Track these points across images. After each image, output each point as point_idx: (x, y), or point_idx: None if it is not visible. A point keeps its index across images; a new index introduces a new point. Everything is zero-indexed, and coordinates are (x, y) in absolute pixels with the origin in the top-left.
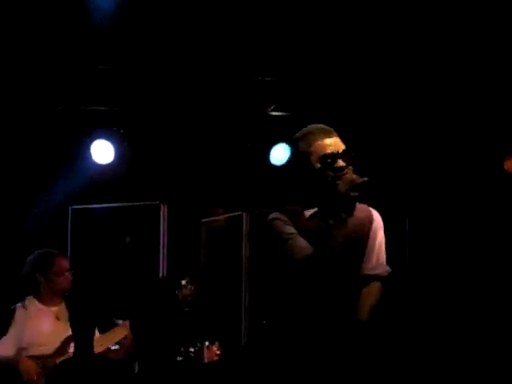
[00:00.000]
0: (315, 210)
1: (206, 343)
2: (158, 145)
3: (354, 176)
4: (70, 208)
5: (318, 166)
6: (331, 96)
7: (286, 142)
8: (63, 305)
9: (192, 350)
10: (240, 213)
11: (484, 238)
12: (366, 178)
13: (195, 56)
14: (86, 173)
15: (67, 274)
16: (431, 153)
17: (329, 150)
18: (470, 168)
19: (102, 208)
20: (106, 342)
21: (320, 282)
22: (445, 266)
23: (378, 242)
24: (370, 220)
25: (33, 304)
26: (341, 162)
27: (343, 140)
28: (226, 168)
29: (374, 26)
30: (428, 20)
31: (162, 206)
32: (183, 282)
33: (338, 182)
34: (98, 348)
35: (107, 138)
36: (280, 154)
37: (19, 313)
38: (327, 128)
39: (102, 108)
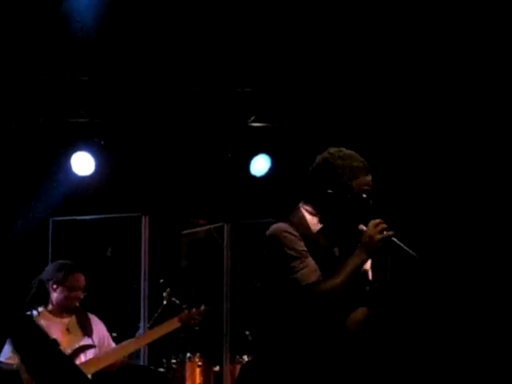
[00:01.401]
0: (321, 225)
1: (188, 355)
2: (138, 156)
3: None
4: (50, 220)
5: (351, 194)
6: (311, 106)
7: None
8: (74, 317)
9: (174, 361)
10: (221, 223)
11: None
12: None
13: (176, 67)
14: (66, 184)
15: (80, 291)
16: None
17: (367, 188)
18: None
19: (83, 220)
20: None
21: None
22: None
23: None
24: None
25: (43, 314)
26: (371, 202)
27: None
28: (206, 179)
29: (353, 34)
30: (414, 20)
31: (143, 218)
32: (164, 294)
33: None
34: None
35: (87, 150)
36: (260, 164)
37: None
38: (366, 163)
39: (82, 120)
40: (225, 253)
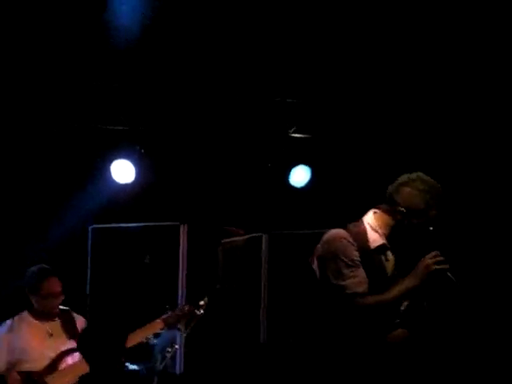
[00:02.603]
0: (380, 243)
1: None
2: (178, 165)
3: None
4: (89, 227)
5: (431, 215)
6: (351, 118)
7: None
8: (58, 321)
9: None
10: (259, 234)
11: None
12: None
13: (217, 76)
14: (106, 192)
15: (54, 298)
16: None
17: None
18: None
19: (122, 228)
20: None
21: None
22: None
23: None
24: None
25: (26, 319)
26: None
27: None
28: (246, 189)
29: (393, 49)
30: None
31: (181, 227)
32: (201, 303)
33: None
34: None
35: (128, 158)
36: (300, 175)
37: (6, 327)
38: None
39: (123, 127)
40: (263, 263)
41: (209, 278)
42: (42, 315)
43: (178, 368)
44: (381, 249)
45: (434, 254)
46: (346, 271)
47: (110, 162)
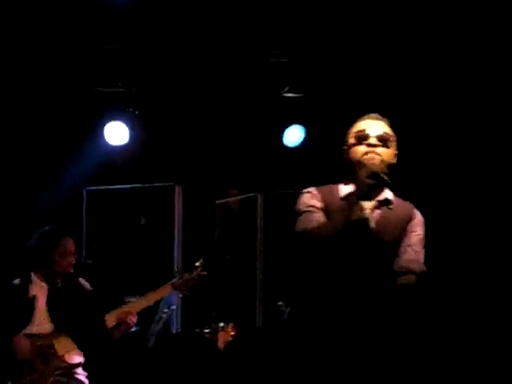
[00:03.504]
0: (350, 189)
1: (221, 324)
2: (172, 126)
3: (378, 165)
4: (84, 189)
5: (352, 141)
6: (345, 77)
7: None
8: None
9: (207, 331)
10: (254, 194)
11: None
12: (386, 178)
13: (210, 38)
14: (100, 154)
15: (71, 257)
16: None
17: (365, 127)
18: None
19: (117, 189)
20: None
21: (332, 258)
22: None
23: (414, 238)
24: (410, 216)
25: (34, 280)
26: (374, 140)
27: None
28: (239, 149)
29: (389, 9)
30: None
31: (176, 188)
32: (197, 264)
33: (361, 168)
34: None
35: (121, 120)
36: (294, 135)
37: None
38: (376, 114)
39: (117, 89)
40: (258, 223)
41: (205, 239)
42: (49, 276)
43: (175, 330)
44: (352, 195)
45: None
46: (300, 217)
47: (104, 123)
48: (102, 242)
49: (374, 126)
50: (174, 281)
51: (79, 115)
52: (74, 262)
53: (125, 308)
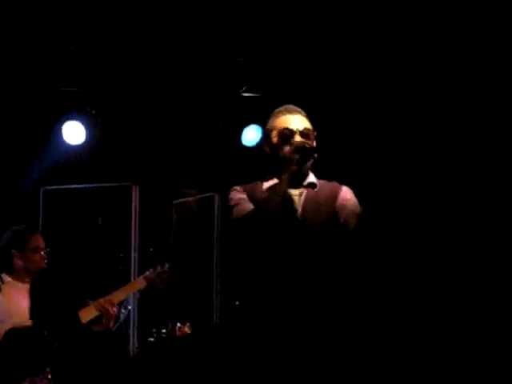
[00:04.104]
0: (274, 182)
1: (178, 324)
2: (129, 125)
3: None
4: (41, 189)
5: (275, 140)
6: (303, 77)
7: (258, 123)
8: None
9: (164, 330)
10: (212, 194)
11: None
12: (313, 145)
13: (167, 37)
14: (57, 154)
15: (43, 252)
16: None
17: (287, 125)
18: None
19: (74, 189)
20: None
21: (263, 246)
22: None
23: (349, 203)
24: (337, 191)
25: (4, 280)
26: (298, 138)
27: (313, 120)
28: (197, 149)
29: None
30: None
31: (133, 187)
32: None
33: (286, 151)
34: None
35: (79, 119)
36: (252, 135)
37: None
38: (294, 107)
39: (74, 89)
40: (215, 223)
41: (162, 239)
42: (23, 276)
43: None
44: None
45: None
46: (231, 210)
47: (62, 123)
48: (58, 241)
49: (295, 122)
50: (147, 274)
51: (37, 114)
52: (46, 256)
53: (103, 299)
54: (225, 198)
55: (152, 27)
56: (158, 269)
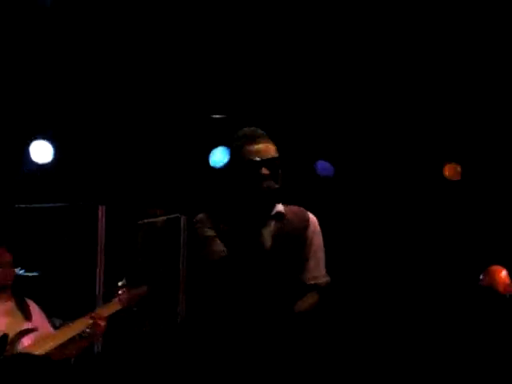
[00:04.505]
0: (241, 210)
1: None
2: (96, 145)
3: (270, 183)
4: (8, 207)
5: (242, 170)
6: (270, 98)
7: (226, 145)
8: (13, 301)
9: None
10: (178, 215)
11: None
12: (277, 186)
13: (137, 57)
14: (24, 173)
15: (6, 267)
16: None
17: (254, 157)
18: (410, 173)
19: (40, 208)
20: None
21: (237, 285)
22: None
23: (315, 248)
24: (306, 224)
25: None
26: (264, 170)
27: (276, 142)
28: (164, 170)
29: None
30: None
31: (99, 207)
32: (119, 284)
33: (251, 180)
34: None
35: (46, 138)
36: (219, 156)
37: None
38: (258, 132)
39: (42, 108)
40: (181, 244)
41: (127, 259)
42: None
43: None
44: (244, 216)
45: None
46: (205, 245)
47: (29, 142)
48: (24, 261)
49: (261, 152)
50: (120, 295)
51: (4, 133)
52: (8, 274)
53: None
54: (190, 220)
55: (122, 46)
56: (133, 291)
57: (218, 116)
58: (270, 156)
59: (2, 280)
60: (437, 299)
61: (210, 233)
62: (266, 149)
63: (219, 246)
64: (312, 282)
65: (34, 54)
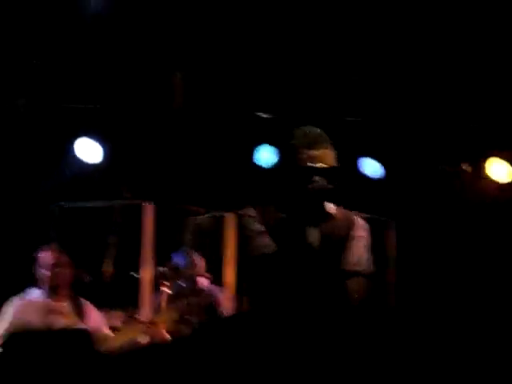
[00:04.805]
0: (292, 208)
1: None
2: (143, 143)
3: (323, 185)
4: (54, 206)
5: (297, 174)
6: (319, 98)
7: (273, 144)
8: (68, 302)
9: None
10: (223, 213)
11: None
12: (330, 186)
13: (182, 55)
14: (71, 171)
15: (44, 270)
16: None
17: (310, 163)
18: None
19: (87, 207)
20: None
21: (284, 281)
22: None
23: (358, 242)
24: (352, 223)
25: (36, 299)
26: (319, 178)
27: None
28: (210, 168)
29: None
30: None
31: (146, 205)
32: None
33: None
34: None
35: (93, 136)
36: (266, 155)
37: (10, 305)
38: (319, 135)
39: (90, 106)
40: (226, 242)
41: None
42: (51, 292)
43: None
44: (292, 216)
45: None
46: (249, 242)
47: (76, 140)
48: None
49: (323, 158)
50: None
51: (51, 131)
52: (58, 276)
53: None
54: (238, 218)
55: (164, 44)
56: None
57: (263, 114)
58: (327, 165)
59: (60, 280)
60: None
61: (259, 227)
62: (325, 156)
63: (268, 241)
64: (353, 269)
65: (84, 52)
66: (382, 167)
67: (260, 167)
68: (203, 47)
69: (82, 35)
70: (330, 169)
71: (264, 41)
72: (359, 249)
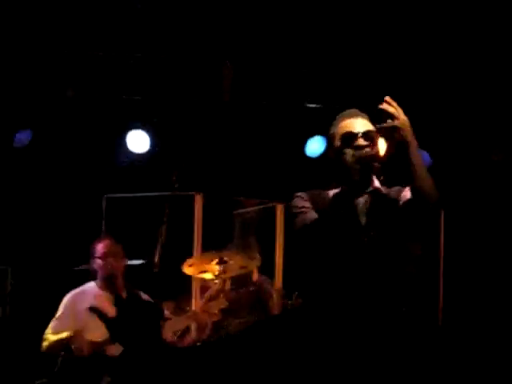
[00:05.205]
0: (339, 190)
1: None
2: (193, 134)
3: (367, 151)
4: (104, 197)
5: (339, 144)
6: (367, 88)
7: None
8: (124, 291)
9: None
10: (274, 204)
11: None
12: (374, 151)
13: (230, 46)
14: (121, 162)
15: (100, 259)
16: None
17: (349, 129)
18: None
19: (137, 197)
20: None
21: (331, 260)
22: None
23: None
24: (400, 192)
25: (91, 289)
26: (361, 141)
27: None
28: (260, 159)
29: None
30: None
31: (196, 196)
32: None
33: (349, 158)
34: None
35: (143, 128)
36: (316, 146)
37: (69, 298)
38: (355, 111)
39: (138, 98)
40: (277, 233)
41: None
42: (105, 285)
43: None
44: (340, 194)
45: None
46: (295, 219)
47: (126, 132)
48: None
49: (358, 125)
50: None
51: (102, 123)
52: (115, 266)
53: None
54: (287, 207)
55: (214, 37)
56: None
57: (313, 105)
58: (365, 129)
59: (114, 270)
60: None
61: (306, 204)
62: (362, 123)
63: (311, 215)
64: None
65: (133, 46)
66: (428, 156)
67: (310, 158)
68: (253, 38)
69: (132, 27)
70: (369, 132)
71: (313, 31)
72: None
